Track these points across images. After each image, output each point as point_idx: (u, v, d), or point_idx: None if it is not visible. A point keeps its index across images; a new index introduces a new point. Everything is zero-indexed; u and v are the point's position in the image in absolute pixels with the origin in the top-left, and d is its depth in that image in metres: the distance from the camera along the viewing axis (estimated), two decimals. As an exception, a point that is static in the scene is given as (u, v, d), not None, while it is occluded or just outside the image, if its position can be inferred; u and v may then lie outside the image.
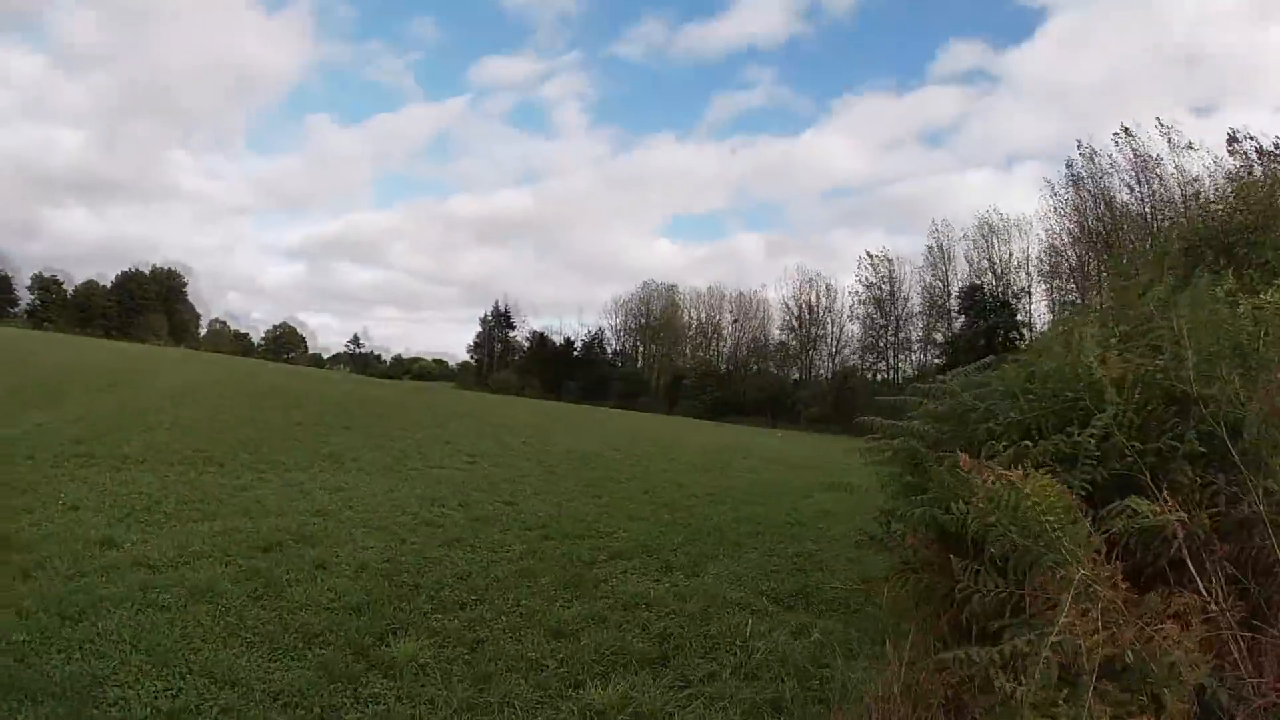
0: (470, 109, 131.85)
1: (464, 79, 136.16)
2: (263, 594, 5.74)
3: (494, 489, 11.43)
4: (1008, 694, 2.51)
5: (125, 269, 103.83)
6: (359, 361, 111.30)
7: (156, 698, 4.02)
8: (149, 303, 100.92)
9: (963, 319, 60.35)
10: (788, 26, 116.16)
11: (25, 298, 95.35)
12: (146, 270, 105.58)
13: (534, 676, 4.74)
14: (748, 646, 5.50)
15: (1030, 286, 59.12)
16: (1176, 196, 44.61)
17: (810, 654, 5.40)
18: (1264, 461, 3.09)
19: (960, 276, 63.64)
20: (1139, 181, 49.27)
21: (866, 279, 69.89)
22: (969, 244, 63.12)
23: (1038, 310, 57.86)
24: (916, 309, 67.59)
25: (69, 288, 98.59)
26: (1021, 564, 2.86)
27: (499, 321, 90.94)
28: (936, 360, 61.39)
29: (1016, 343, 54.55)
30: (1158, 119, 47.24)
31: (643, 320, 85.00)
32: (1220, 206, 11.74)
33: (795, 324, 76.14)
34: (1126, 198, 50.29)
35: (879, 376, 69.48)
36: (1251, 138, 33.01)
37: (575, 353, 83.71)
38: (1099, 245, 51.15)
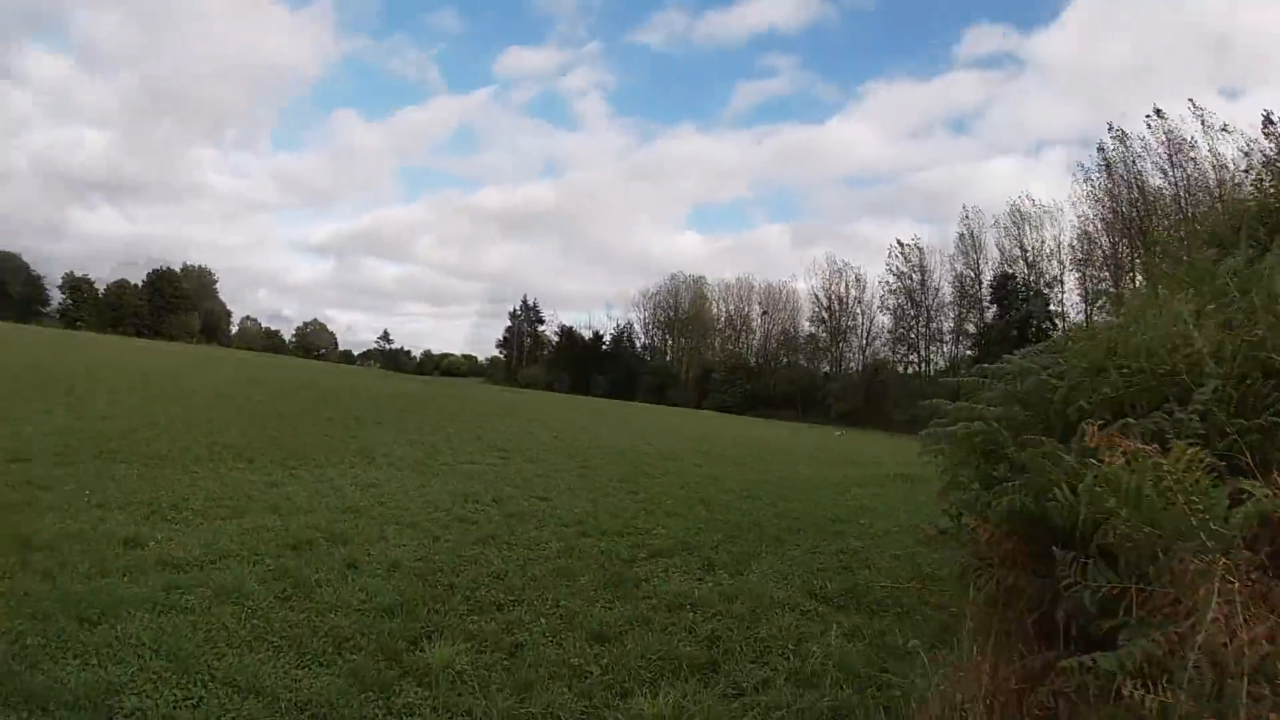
0: (493, 101, 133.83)
1: (487, 71, 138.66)
2: (291, 595, 5.48)
3: (528, 484, 11.20)
4: (1138, 704, 2.15)
5: (156, 268, 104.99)
6: (389, 358, 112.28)
7: (175, 707, 3.74)
8: (180, 301, 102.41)
9: (995, 309, 59.20)
10: (809, 12, 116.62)
11: (56, 298, 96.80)
12: (177, 269, 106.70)
13: (578, 684, 4.42)
14: (800, 650, 5.19)
15: (1062, 275, 58.13)
16: (1210, 180, 43.82)
17: (866, 658, 5.09)
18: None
19: (992, 265, 62.66)
20: (1172, 165, 48.29)
21: (897, 268, 69.19)
22: (1000, 231, 62.14)
23: (1070, 299, 56.99)
24: (948, 299, 66.64)
25: (100, 287, 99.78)
26: (1142, 555, 2.50)
27: (527, 316, 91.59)
28: (969, 352, 60.76)
29: (1050, 332, 53.77)
30: (1190, 100, 46.30)
31: (671, 313, 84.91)
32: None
33: (825, 315, 75.52)
34: (1159, 182, 49.33)
35: (910, 368, 68.81)
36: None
37: (604, 347, 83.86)
38: (1132, 232, 50.23)
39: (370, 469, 11.31)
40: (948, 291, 66.48)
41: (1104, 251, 54.01)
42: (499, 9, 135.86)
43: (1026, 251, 60.00)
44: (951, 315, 66.27)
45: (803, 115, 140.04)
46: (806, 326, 77.74)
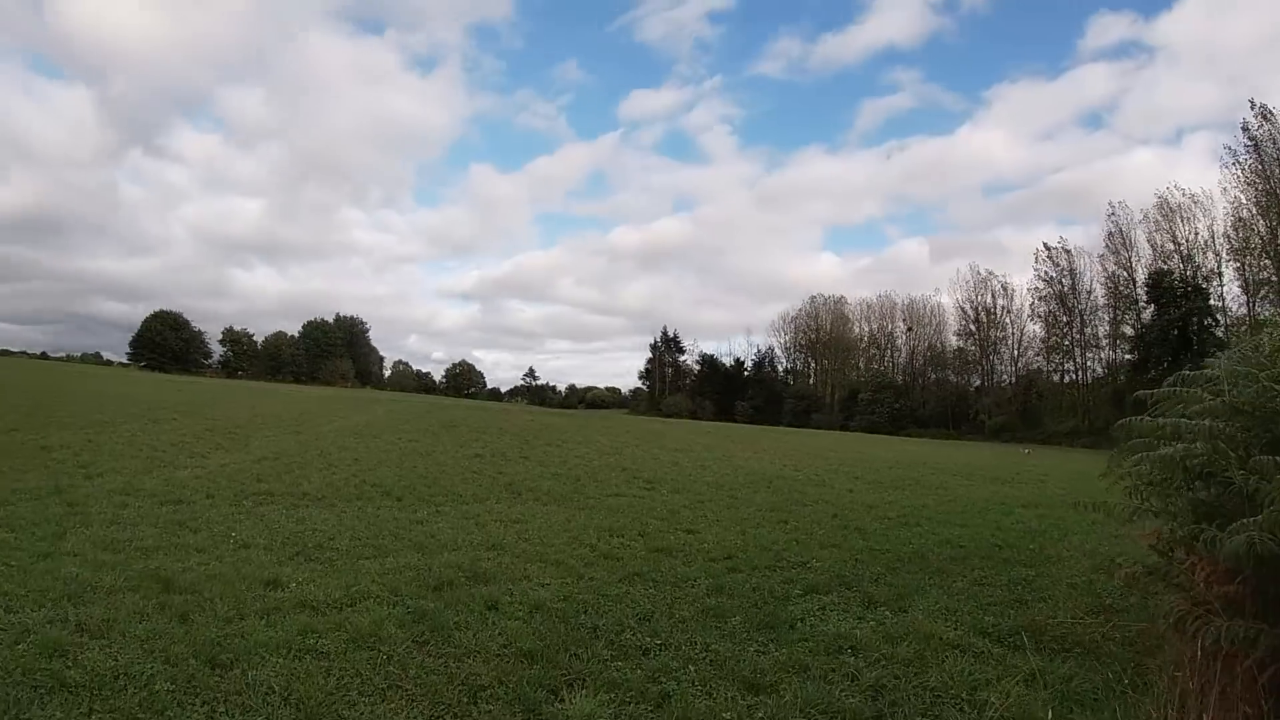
0: (621, 143, 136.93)
1: (612, 116, 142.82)
2: (429, 639, 5.20)
3: (674, 516, 10.78)
4: None
5: (310, 319, 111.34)
6: (535, 394, 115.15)
7: (301, 764, 3.47)
8: (334, 349, 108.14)
9: (1151, 308, 55.41)
10: (926, 23, 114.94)
11: (218, 351, 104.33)
12: (330, 320, 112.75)
13: (733, 744, 3.92)
14: (975, 699, 4.54)
15: (1220, 267, 54.22)
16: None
17: (1054, 709, 4.35)
18: None
19: (1144, 262, 59.01)
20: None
21: (1045, 273, 66.36)
22: (1150, 226, 58.54)
23: (1230, 293, 53.29)
24: (1101, 301, 63.36)
25: (258, 339, 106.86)
26: None
27: (668, 347, 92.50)
28: (1128, 356, 57.44)
29: (1212, 329, 50.03)
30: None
31: (812, 336, 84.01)
32: None
33: (972, 328, 73.45)
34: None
35: (1065, 377, 65.48)
36: None
37: (746, 373, 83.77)
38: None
39: (515, 504, 11.17)
40: (1100, 294, 63.25)
41: (1262, 237, 50.20)
42: (618, 56, 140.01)
43: (1180, 245, 56.41)
44: (1106, 319, 63.00)
45: (930, 128, 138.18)
46: (953, 340, 75.76)
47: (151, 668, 4.34)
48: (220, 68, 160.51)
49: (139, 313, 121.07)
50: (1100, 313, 63.14)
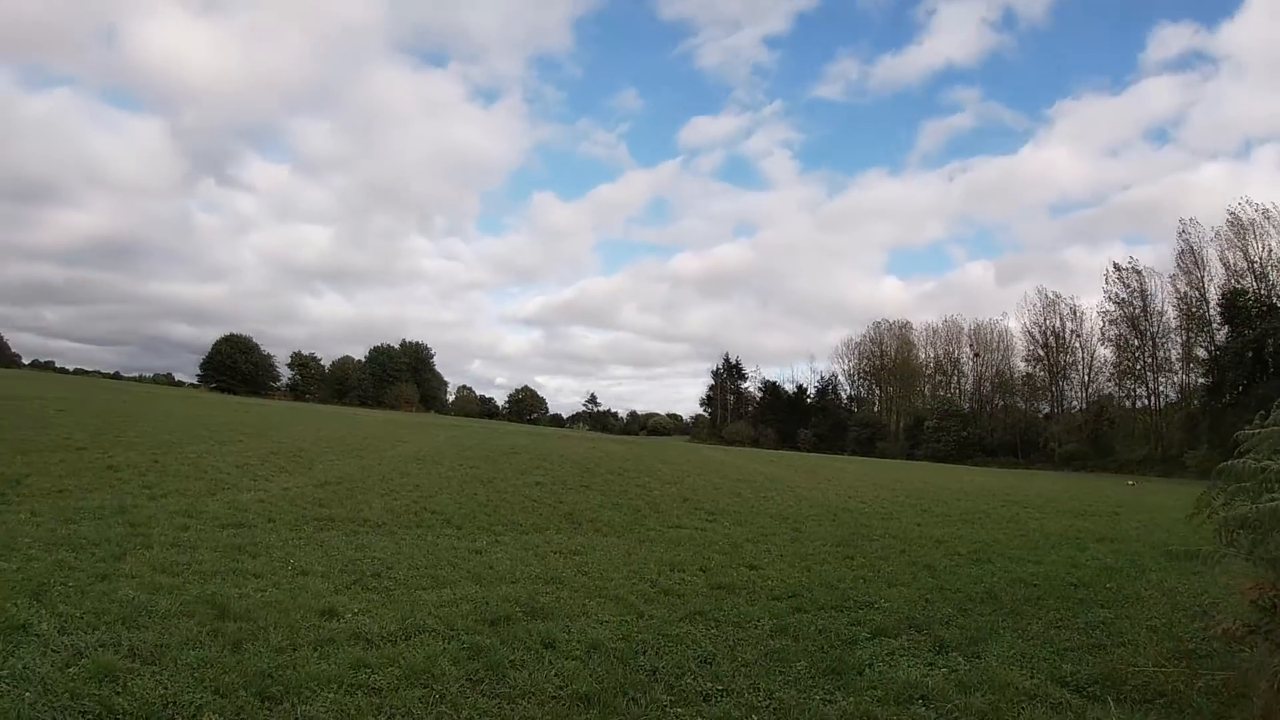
0: (682, 170, 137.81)
1: (672, 143, 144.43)
2: (483, 677, 5.05)
3: (736, 550, 10.52)
4: None
5: (376, 344, 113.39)
6: (597, 419, 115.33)
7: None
8: (399, 373, 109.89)
9: (1226, 329, 53.11)
10: (985, 42, 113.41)
11: (285, 374, 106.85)
12: (396, 345, 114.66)
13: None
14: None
15: (1298, 284, 51.56)
16: None
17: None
18: None
19: (1217, 281, 56.59)
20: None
21: (1115, 294, 64.22)
22: (1222, 243, 56.08)
23: (1308, 310, 50.59)
24: (1173, 324, 61.07)
25: (325, 363, 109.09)
26: None
27: (730, 373, 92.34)
28: (1201, 380, 55.24)
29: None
30: None
31: (876, 362, 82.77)
32: None
33: (1040, 353, 71.46)
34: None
35: (1138, 403, 63.33)
36: None
37: (808, 400, 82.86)
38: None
39: (575, 535, 11.03)
40: (1171, 315, 61.03)
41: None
42: (677, 84, 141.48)
43: (1254, 263, 53.99)
44: (1179, 341, 60.66)
45: (993, 147, 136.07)
46: (1021, 366, 73.98)
47: (201, 697, 4.29)
48: (289, 101, 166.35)
49: (209, 336, 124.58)
50: (1172, 335, 61.18)
